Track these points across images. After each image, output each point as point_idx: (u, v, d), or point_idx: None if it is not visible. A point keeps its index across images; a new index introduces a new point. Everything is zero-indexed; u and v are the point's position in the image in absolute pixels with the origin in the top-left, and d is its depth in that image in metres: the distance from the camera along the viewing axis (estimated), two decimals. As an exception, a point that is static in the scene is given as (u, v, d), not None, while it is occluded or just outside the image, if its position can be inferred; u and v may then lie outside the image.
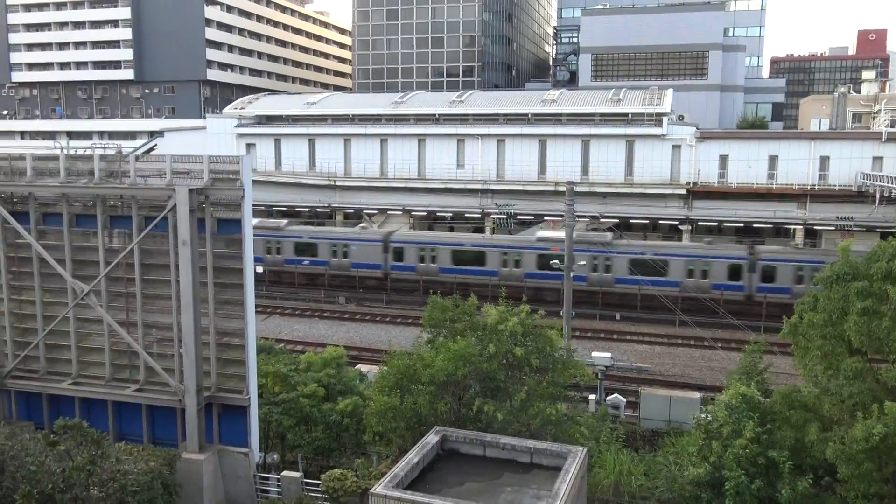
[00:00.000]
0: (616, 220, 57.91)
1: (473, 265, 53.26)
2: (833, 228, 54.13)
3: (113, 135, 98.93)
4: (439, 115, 67.27)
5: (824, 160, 56.01)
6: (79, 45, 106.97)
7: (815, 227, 55.51)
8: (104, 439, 18.05)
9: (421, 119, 67.66)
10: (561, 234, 53.21)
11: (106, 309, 21.39)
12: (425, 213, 64.80)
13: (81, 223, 22.02)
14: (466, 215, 63.18)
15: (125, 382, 21.91)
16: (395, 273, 55.25)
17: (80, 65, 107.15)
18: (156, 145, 73.85)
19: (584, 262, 49.24)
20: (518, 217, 59.52)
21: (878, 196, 50.83)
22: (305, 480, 21.11)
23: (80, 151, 22.53)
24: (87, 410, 21.85)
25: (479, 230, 62.63)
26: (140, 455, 19.35)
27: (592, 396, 31.65)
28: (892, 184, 48.09)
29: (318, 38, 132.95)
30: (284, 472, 21.30)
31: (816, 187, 55.59)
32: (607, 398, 31.47)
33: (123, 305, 21.71)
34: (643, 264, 48.53)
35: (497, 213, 59.72)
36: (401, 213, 64.48)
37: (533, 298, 47.97)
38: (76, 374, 22.17)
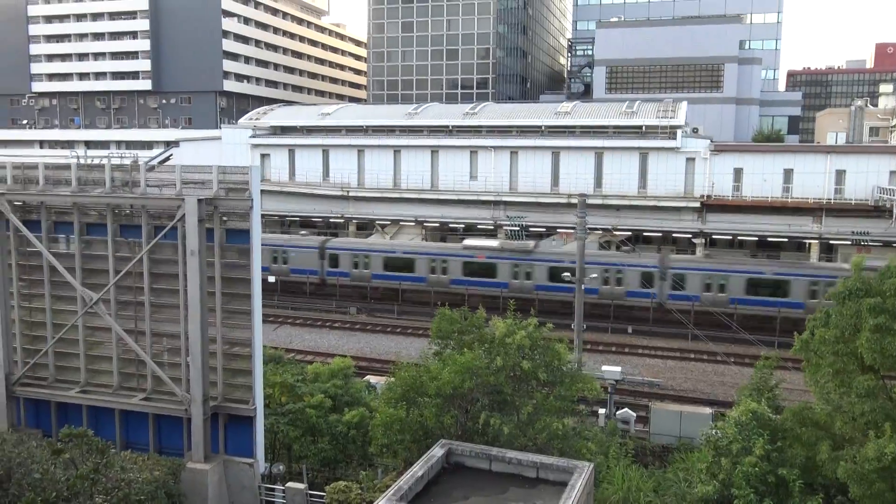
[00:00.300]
0: (629, 233, 57.61)
1: (404, 271, 55.47)
2: (849, 243, 53.53)
3: (130, 145, 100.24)
4: (453, 126, 67.38)
5: (840, 174, 55.44)
6: (98, 55, 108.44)
7: (831, 242, 54.92)
8: (109, 448, 18.05)
9: (434, 130, 67.80)
10: (485, 242, 56.28)
11: (115, 317, 21.49)
12: (437, 225, 64.84)
13: (92, 232, 22.17)
14: (479, 227, 63.14)
15: (132, 391, 21.96)
16: (332, 279, 57.33)
17: (99, 75, 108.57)
18: (171, 155, 74.49)
19: (506, 270, 52.50)
20: (530, 229, 59.38)
21: (894, 211, 50.21)
22: (310, 492, 21.02)
23: (97, 161, 22.75)
24: (95, 418, 21.92)
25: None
26: (145, 464, 19.35)
27: (602, 410, 31.36)
28: (909, 198, 47.55)
29: (334, 50, 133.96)
30: (289, 484, 21.23)
31: (832, 201, 54.98)
32: (617, 412, 31.18)
33: (132, 314, 21.81)
34: (561, 272, 49.35)
35: (509, 225, 59.63)
36: (413, 224, 64.55)
37: (457, 304, 51.50)
38: (84, 383, 22.25)
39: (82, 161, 22.22)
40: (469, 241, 56.34)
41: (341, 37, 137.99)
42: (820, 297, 43.79)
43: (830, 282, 42.99)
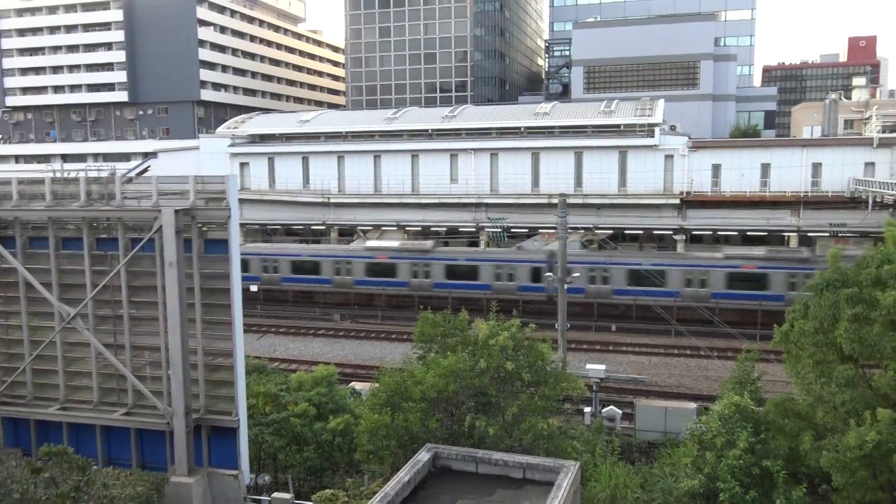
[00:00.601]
0: (611, 231, 57.90)
1: (311, 274, 57.29)
2: (827, 235, 54.15)
3: (107, 157, 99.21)
4: (432, 130, 67.43)
5: (817, 167, 56.11)
6: (73, 68, 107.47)
7: (809, 234, 55.51)
8: (90, 465, 17.81)
9: (414, 135, 67.81)
10: (387, 244, 58.33)
11: (93, 332, 21.21)
12: (419, 229, 64.78)
13: (68, 246, 21.87)
14: (461, 230, 63.17)
15: (113, 406, 21.66)
16: (243, 283, 57.68)
17: (75, 88, 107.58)
18: (149, 166, 73.92)
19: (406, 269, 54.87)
20: (512, 230, 59.50)
21: (870, 202, 50.86)
22: (297, 501, 20.87)
23: (74, 174, 22.45)
24: (76, 435, 21.60)
25: (475, 244, 62.72)
26: (128, 480, 19.10)
27: (588, 409, 31.43)
28: (884, 189, 48.14)
29: (312, 57, 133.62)
30: (275, 494, 21.07)
31: (809, 194, 55.62)
32: (602, 410, 31.26)
33: (111, 328, 21.53)
34: (457, 270, 53.25)
35: (491, 227, 59.71)
36: (395, 228, 64.45)
37: (364, 304, 56.34)
38: (64, 399, 21.93)
39: (58, 175, 21.87)
40: (371, 243, 59.40)
41: (319, 43, 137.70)
42: (695, 287, 48.66)
43: (704, 271, 48.72)
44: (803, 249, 51.51)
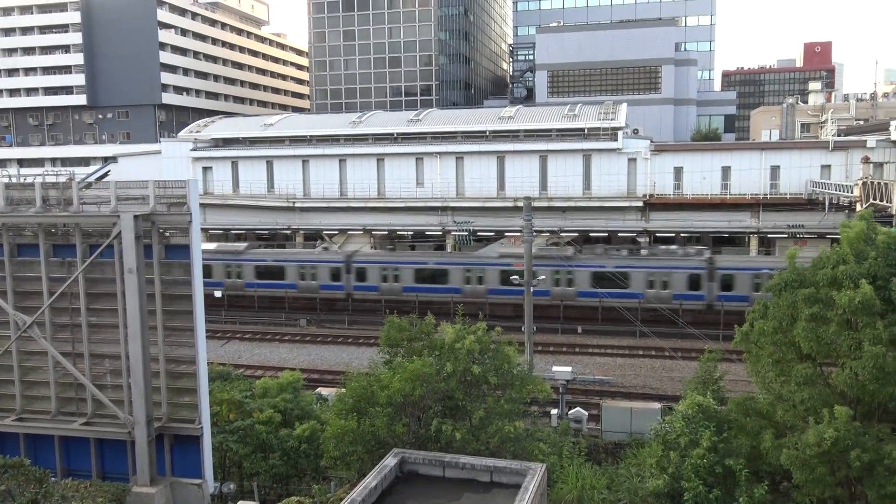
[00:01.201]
0: (575, 234, 58.38)
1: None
2: (785, 236, 55.30)
3: (66, 161, 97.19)
4: (397, 133, 67.30)
5: (775, 170, 57.29)
6: (29, 70, 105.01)
7: (769, 236, 56.64)
8: (48, 476, 17.38)
9: (379, 138, 67.61)
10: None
11: (50, 341, 20.71)
12: (386, 233, 64.59)
13: (24, 252, 21.34)
14: (427, 233, 63.13)
15: (72, 416, 21.18)
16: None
17: (31, 91, 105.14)
18: (109, 171, 72.51)
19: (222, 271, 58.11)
20: (478, 234, 59.65)
21: (826, 204, 52.07)
22: (263, 509, 20.63)
23: (31, 180, 21.90)
24: (33, 447, 21.08)
25: (441, 248, 62.79)
26: (87, 491, 18.69)
27: (554, 411, 31.61)
28: (839, 191, 49.33)
29: (276, 60, 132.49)
30: (241, 502, 20.79)
31: (768, 196, 56.77)
32: (569, 412, 31.46)
33: (69, 336, 21.04)
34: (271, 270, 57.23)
35: (457, 231, 59.79)
36: (361, 232, 64.16)
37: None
38: (20, 410, 21.36)
39: (14, 180, 21.37)
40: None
41: (282, 46, 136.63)
42: (473, 283, 52.78)
43: (468, 268, 53.41)
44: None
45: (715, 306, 48.11)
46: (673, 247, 53.52)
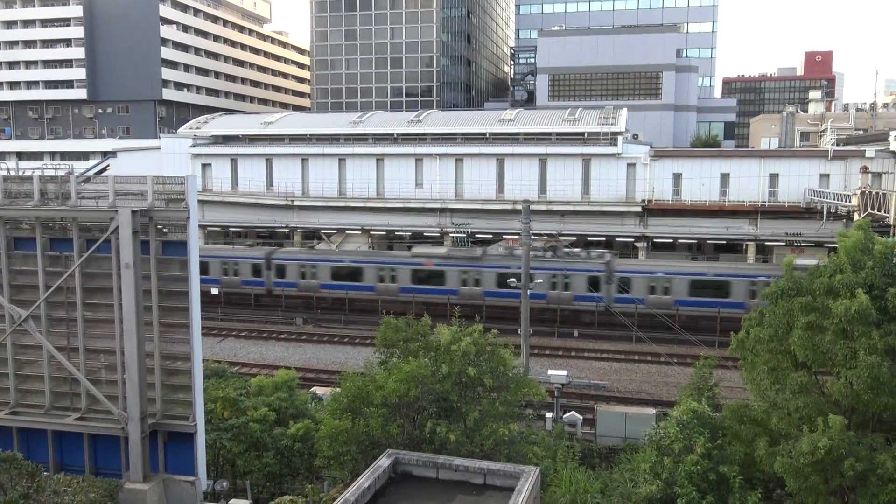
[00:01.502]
0: (574, 238, 58.40)
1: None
2: (783, 244, 55.39)
3: (65, 155, 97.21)
4: (397, 134, 67.30)
5: (774, 177, 57.40)
6: (29, 64, 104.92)
7: (767, 243, 56.73)
8: (40, 471, 17.32)
9: (379, 139, 67.62)
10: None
11: (45, 335, 20.65)
12: (384, 233, 64.57)
13: (20, 246, 21.27)
14: (425, 234, 63.12)
15: (66, 411, 21.11)
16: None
17: (31, 84, 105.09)
18: (108, 166, 72.46)
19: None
20: (477, 236, 59.66)
21: (825, 212, 52.18)
22: (255, 508, 20.58)
23: (29, 173, 21.86)
24: (26, 441, 20.99)
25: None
26: (80, 486, 18.61)
27: (549, 414, 31.59)
28: (837, 200, 49.42)
29: (277, 58, 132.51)
30: (233, 501, 20.74)
31: (767, 204, 56.86)
32: (564, 416, 31.45)
33: (65, 331, 20.99)
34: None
35: (455, 232, 59.81)
36: (359, 232, 64.15)
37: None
38: (14, 403, 21.29)
39: (12, 173, 21.36)
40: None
41: (284, 45, 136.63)
42: (386, 282, 53.73)
43: (381, 266, 54.12)
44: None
45: (612, 308, 48.46)
46: (576, 249, 53.83)
